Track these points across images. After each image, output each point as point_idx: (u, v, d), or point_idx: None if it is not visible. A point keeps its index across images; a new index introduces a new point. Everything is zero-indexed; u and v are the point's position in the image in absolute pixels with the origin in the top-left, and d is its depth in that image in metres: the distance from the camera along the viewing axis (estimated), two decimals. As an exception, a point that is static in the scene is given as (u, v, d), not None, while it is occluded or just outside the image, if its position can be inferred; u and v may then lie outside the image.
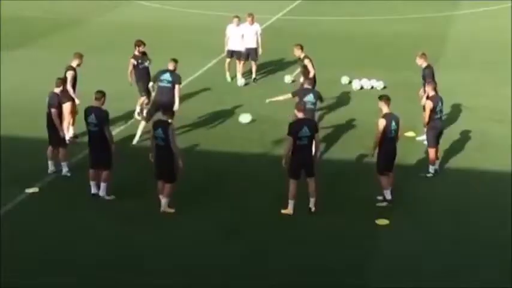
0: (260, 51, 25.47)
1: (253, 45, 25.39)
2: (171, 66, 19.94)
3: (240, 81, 25.23)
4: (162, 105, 18.80)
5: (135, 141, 20.04)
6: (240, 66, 25.70)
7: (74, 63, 20.23)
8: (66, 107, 20.12)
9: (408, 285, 13.84)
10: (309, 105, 18.26)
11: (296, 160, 16.07)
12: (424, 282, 13.96)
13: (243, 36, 25.43)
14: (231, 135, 20.71)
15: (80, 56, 20.32)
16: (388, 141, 16.56)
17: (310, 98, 18.71)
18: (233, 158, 19.36)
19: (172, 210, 16.25)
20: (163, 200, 16.23)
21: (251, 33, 25.42)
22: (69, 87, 19.68)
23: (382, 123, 16.50)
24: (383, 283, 13.97)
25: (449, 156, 19.30)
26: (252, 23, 25.57)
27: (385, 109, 16.72)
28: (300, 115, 16.28)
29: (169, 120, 16.15)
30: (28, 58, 28.30)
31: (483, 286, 13.88)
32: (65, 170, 17.97)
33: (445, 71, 26.07)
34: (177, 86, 19.74)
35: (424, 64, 20.40)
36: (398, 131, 16.74)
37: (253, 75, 25.68)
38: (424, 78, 20.20)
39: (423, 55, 20.50)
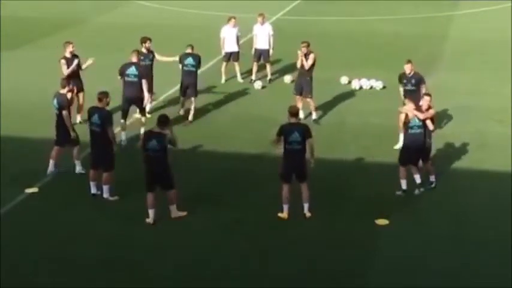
0: (271, 52, 25.43)
1: (266, 46, 25.33)
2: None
3: (257, 84, 25.10)
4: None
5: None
6: (237, 68, 25.69)
7: (67, 52, 20.28)
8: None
9: (408, 285, 13.85)
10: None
11: (287, 164, 16.03)
12: (424, 283, 13.96)
13: (237, 37, 25.44)
14: (230, 135, 20.71)
15: (68, 43, 20.41)
16: (410, 134, 16.75)
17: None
18: (233, 158, 19.36)
19: (184, 213, 16.17)
20: (172, 207, 16.07)
21: (263, 33, 25.37)
22: (65, 73, 19.66)
23: (403, 114, 16.81)
24: (383, 283, 13.97)
25: (449, 156, 19.29)
26: (263, 23, 25.54)
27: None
28: (292, 119, 16.25)
29: (164, 132, 15.87)
30: (28, 58, 28.32)
31: (483, 286, 13.88)
32: (78, 168, 17.97)
33: (445, 71, 26.17)
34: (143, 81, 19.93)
35: (412, 72, 19.80)
36: (425, 126, 16.89)
37: (269, 76, 25.65)
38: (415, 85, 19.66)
39: (409, 62, 19.94)
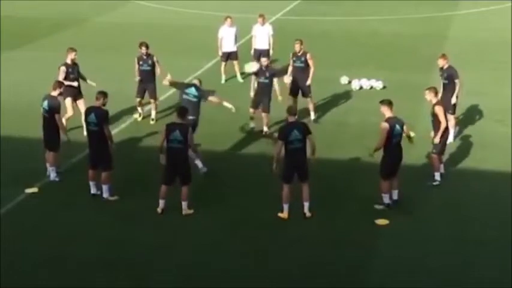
0: (271, 52, 25.41)
1: (266, 47, 25.33)
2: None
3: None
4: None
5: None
6: (237, 67, 25.68)
7: (68, 59, 20.22)
8: (68, 101, 20.19)
9: (408, 286, 13.84)
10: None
11: (289, 164, 16.01)
12: (424, 282, 13.95)
13: (235, 37, 25.43)
14: (230, 135, 20.70)
15: (72, 50, 20.29)
16: (393, 146, 16.24)
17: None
18: (233, 157, 19.37)
19: (191, 211, 16.30)
20: (184, 203, 16.23)
21: (263, 34, 25.38)
22: (65, 82, 19.62)
23: (385, 127, 16.12)
24: (383, 283, 13.96)
25: (449, 156, 19.28)
26: (263, 23, 25.54)
27: (388, 113, 16.35)
28: (291, 119, 16.24)
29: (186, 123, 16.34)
30: (28, 58, 28.33)
31: (483, 286, 13.88)
32: (53, 175, 17.80)
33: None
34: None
35: (446, 65, 20.05)
36: (402, 135, 16.40)
37: None
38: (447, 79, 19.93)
39: (444, 56, 20.24)
